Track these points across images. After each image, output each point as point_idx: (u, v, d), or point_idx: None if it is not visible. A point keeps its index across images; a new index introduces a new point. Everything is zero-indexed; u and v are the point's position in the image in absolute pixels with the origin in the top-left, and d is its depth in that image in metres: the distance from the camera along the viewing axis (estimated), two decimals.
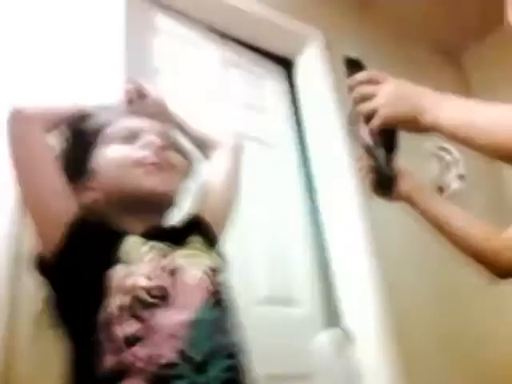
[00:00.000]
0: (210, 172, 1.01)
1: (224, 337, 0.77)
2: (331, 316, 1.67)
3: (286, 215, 1.76)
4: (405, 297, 1.71)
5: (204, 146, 1.04)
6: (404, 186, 0.99)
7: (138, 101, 1.00)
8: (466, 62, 2.86)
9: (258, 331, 1.25)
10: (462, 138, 0.74)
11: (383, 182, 0.95)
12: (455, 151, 2.26)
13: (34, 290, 0.85)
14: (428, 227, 1.01)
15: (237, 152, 1.06)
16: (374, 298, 1.62)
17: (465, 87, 2.78)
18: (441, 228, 0.98)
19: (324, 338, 1.55)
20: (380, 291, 1.63)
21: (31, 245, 0.82)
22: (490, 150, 0.71)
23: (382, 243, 1.74)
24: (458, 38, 2.72)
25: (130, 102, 1.01)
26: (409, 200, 1.00)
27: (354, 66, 0.92)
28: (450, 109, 0.76)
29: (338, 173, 1.81)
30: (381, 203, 1.02)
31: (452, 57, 2.86)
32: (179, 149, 0.96)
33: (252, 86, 1.92)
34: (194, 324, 0.73)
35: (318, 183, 1.85)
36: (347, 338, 1.57)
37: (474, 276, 1.12)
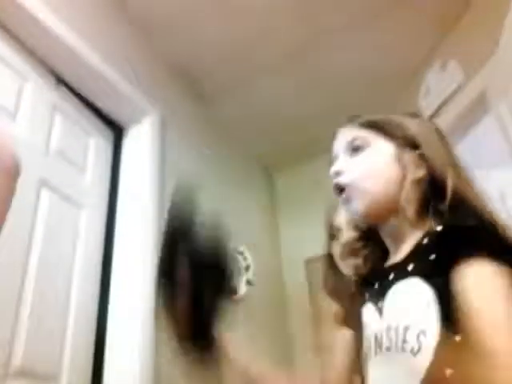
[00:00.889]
0: None
1: None
2: None
3: (70, 277, 1.62)
4: None
5: None
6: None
7: None
8: (280, 180, 3.16)
9: None
10: None
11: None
12: (249, 257, 2.42)
13: None
14: None
15: (13, 175, 0.90)
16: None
17: (274, 202, 3.05)
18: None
19: None
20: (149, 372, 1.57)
21: None
22: None
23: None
24: (277, 158, 3.03)
25: None
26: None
27: None
28: None
29: (137, 249, 1.78)
30: None
31: (268, 172, 3.16)
32: None
33: (74, 139, 1.82)
34: None
35: (116, 252, 1.80)
36: None
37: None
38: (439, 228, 0.79)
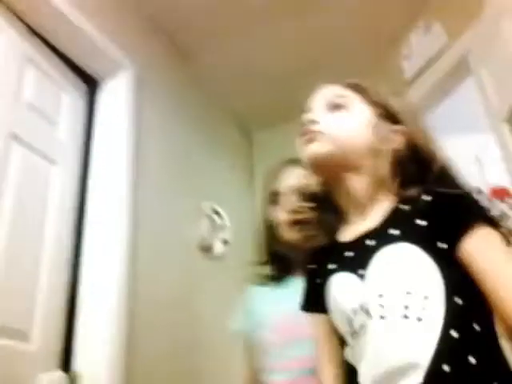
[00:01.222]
0: None
1: None
2: (65, 356, 1.54)
3: (41, 235, 1.59)
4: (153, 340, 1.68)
5: None
6: None
7: None
8: (257, 140, 3.13)
9: None
10: None
11: None
12: (226, 217, 2.42)
13: None
14: None
15: None
16: (112, 342, 1.54)
17: (250, 162, 3.04)
18: None
19: (43, 381, 1.40)
20: (122, 336, 1.56)
21: None
22: None
23: (143, 281, 1.71)
24: (256, 117, 2.99)
25: None
26: None
27: None
28: None
29: (110, 206, 1.75)
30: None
31: (246, 133, 3.13)
32: None
33: (47, 92, 1.76)
34: None
35: (89, 209, 1.78)
36: (71, 381, 1.46)
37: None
38: (428, 197, 0.80)
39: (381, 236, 0.82)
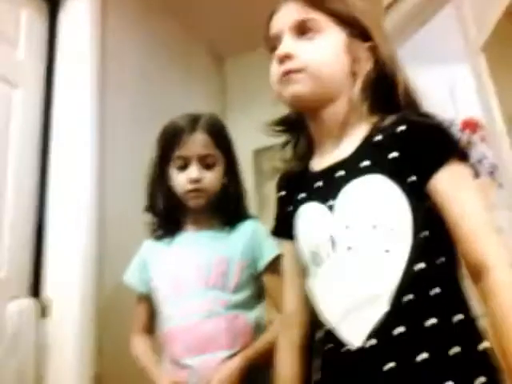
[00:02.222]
0: None
1: None
2: (34, 283, 1.55)
3: (5, 161, 1.55)
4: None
5: None
6: None
7: None
8: (230, 67, 3.03)
9: None
10: None
11: None
12: None
13: None
14: None
15: None
16: (82, 268, 1.54)
17: (223, 90, 2.96)
18: None
19: (13, 308, 1.41)
20: (92, 260, 1.57)
21: None
22: None
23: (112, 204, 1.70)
24: (228, 44, 2.87)
25: None
26: None
27: None
28: None
29: (76, 130, 1.69)
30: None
31: (219, 60, 3.01)
32: None
33: (3, 10, 1.64)
34: None
35: (54, 133, 1.71)
36: (41, 309, 1.48)
37: None
38: (402, 126, 0.77)
39: (351, 167, 0.80)
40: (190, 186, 1.24)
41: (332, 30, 0.84)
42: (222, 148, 1.29)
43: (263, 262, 1.25)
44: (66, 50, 1.80)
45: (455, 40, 1.86)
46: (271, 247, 1.24)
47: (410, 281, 0.71)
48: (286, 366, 0.90)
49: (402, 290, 0.71)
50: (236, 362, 1.11)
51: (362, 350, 0.72)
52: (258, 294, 1.27)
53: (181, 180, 1.25)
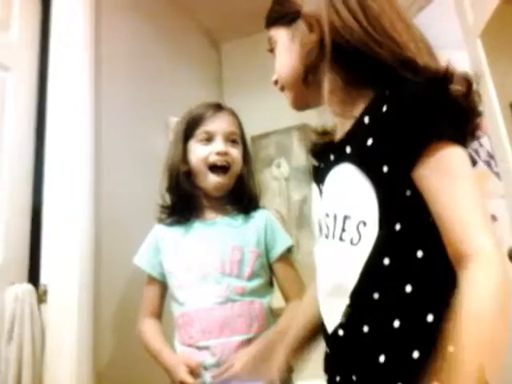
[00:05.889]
0: None
1: None
2: (31, 269, 1.55)
3: (3, 147, 1.54)
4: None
5: None
6: None
7: None
8: (226, 51, 3.01)
9: None
10: None
11: None
12: None
13: None
14: None
15: None
16: (79, 253, 1.53)
17: (219, 74, 2.94)
18: None
19: (11, 294, 1.41)
20: (89, 246, 1.56)
21: None
22: None
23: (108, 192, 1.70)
24: (226, 30, 2.85)
25: None
26: None
27: None
28: None
29: (70, 111, 1.65)
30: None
31: (216, 46, 2.99)
32: None
33: None
34: None
35: (49, 118, 1.67)
36: (39, 295, 1.47)
37: None
38: (384, 105, 0.67)
39: (338, 152, 0.78)
40: (215, 158, 1.24)
41: (280, 34, 0.85)
42: (241, 134, 1.33)
43: (276, 253, 1.28)
44: (59, 33, 1.76)
45: (452, 26, 1.85)
46: (284, 238, 1.30)
47: (372, 277, 0.68)
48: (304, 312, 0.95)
49: (364, 286, 0.69)
50: (256, 347, 1.16)
51: (334, 336, 0.74)
52: (270, 282, 1.31)
53: (204, 152, 1.25)
